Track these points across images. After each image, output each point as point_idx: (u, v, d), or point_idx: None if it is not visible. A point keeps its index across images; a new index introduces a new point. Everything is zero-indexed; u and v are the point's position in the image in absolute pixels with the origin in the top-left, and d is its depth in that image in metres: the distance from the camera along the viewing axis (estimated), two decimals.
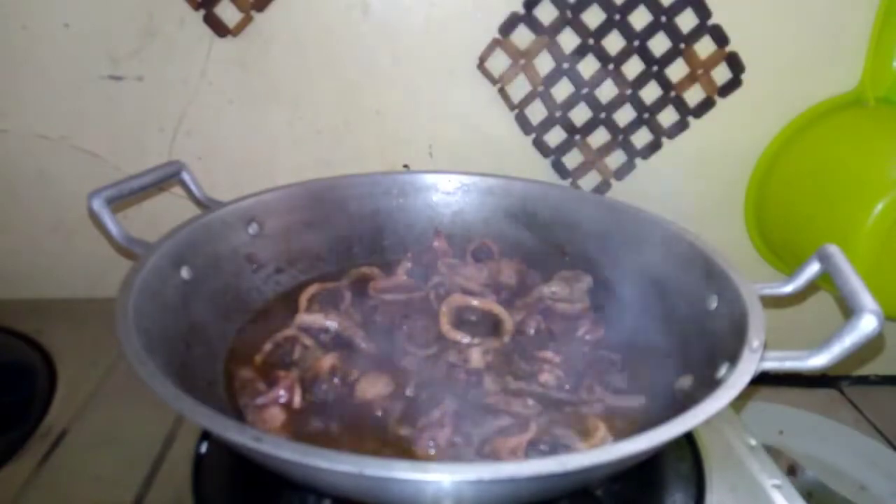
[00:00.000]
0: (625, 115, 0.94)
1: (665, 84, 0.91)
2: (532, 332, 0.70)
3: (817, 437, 0.98)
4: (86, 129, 0.91)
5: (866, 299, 0.49)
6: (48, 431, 0.68)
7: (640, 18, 0.88)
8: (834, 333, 0.47)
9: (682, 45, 0.89)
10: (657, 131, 0.94)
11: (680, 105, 0.93)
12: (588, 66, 0.90)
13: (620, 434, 0.57)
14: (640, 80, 0.91)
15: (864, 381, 1.12)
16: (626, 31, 0.88)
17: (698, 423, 0.44)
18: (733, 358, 0.51)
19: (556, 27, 0.88)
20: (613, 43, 0.89)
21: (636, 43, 0.89)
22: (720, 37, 0.88)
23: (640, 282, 0.73)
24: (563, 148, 0.95)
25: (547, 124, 0.94)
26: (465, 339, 0.68)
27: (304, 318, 0.68)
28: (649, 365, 0.66)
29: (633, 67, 0.91)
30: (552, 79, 0.91)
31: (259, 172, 0.94)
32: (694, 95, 0.92)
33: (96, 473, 0.63)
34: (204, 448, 0.63)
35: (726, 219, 1.01)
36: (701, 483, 0.62)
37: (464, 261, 0.82)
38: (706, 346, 0.59)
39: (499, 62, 0.90)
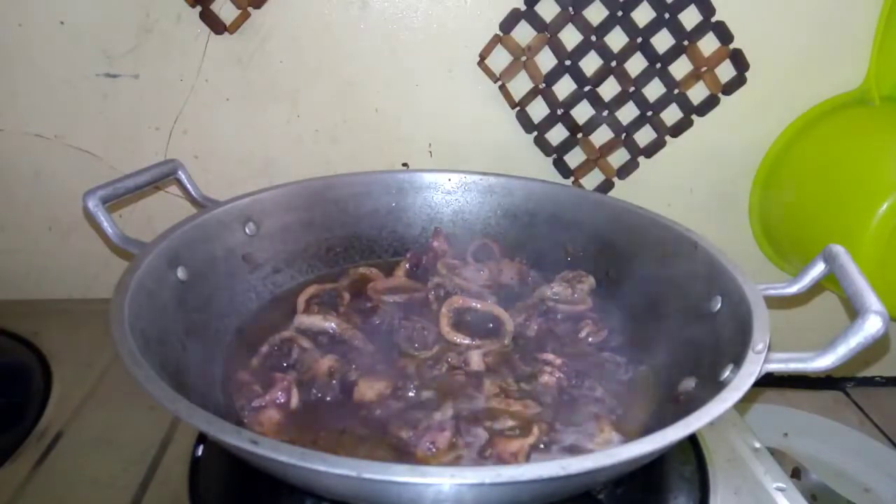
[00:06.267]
0: (628, 113, 0.93)
1: (669, 81, 0.91)
2: (533, 333, 0.70)
3: (822, 440, 0.97)
4: (81, 127, 0.90)
5: (871, 300, 0.48)
6: (44, 434, 0.68)
7: (642, 15, 0.87)
8: (839, 334, 0.47)
9: (686, 42, 0.88)
10: (660, 129, 0.94)
11: (684, 103, 0.92)
12: (590, 64, 0.90)
13: (624, 437, 0.57)
14: (644, 78, 0.90)
15: (868, 382, 1.11)
16: (629, 27, 0.87)
17: (702, 426, 0.44)
18: (737, 359, 0.50)
19: (558, 24, 0.87)
20: (616, 40, 0.88)
21: (639, 40, 0.88)
22: (724, 34, 0.88)
23: (642, 282, 0.73)
24: (565, 146, 0.95)
25: (548, 122, 0.93)
26: (466, 341, 0.67)
27: (302, 319, 0.67)
28: (652, 366, 0.66)
29: (636, 65, 0.90)
30: (554, 76, 0.90)
31: (256, 171, 0.94)
32: (698, 93, 0.91)
33: (92, 476, 0.62)
34: (200, 451, 0.63)
35: (730, 218, 1.00)
36: (705, 486, 0.62)
37: (464, 261, 0.81)
38: (710, 348, 0.59)
39: (499, 59, 0.89)
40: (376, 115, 0.93)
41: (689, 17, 0.87)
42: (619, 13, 0.86)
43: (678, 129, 0.94)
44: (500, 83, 0.91)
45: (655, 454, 0.43)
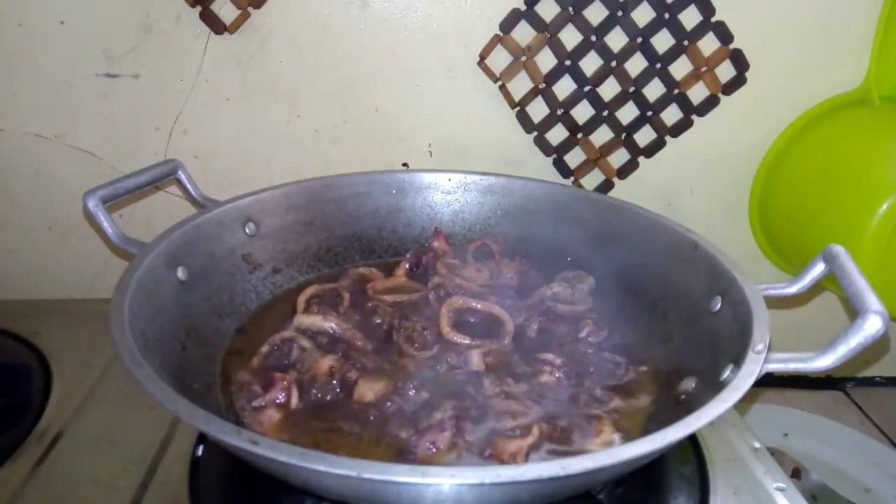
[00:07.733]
0: (627, 113, 0.93)
1: (668, 81, 0.91)
2: (533, 333, 0.70)
3: (822, 440, 0.97)
4: (81, 127, 0.90)
5: (871, 300, 0.48)
6: (44, 434, 0.68)
7: (642, 15, 0.87)
8: (839, 334, 0.47)
9: (686, 42, 0.88)
10: (660, 130, 0.94)
11: (683, 103, 0.92)
12: (590, 64, 0.90)
13: (624, 437, 0.57)
14: (643, 78, 0.90)
15: (868, 382, 1.11)
16: (629, 27, 0.87)
17: (702, 426, 0.44)
18: (738, 359, 0.50)
19: (558, 24, 0.87)
20: (616, 40, 0.88)
21: (639, 40, 0.88)
22: (724, 34, 0.88)
23: (642, 282, 0.72)
24: (565, 146, 0.95)
25: (548, 122, 0.93)
26: (466, 341, 0.67)
27: (302, 319, 0.67)
28: (652, 366, 0.66)
29: (635, 65, 0.90)
30: (554, 76, 0.90)
31: (256, 171, 0.94)
32: (698, 93, 0.91)
33: (92, 476, 0.62)
34: (200, 451, 0.63)
35: (730, 218, 1.00)
36: (705, 486, 0.62)
37: (464, 261, 0.81)
38: (710, 348, 0.59)
39: (499, 59, 0.89)
40: (376, 115, 0.93)
41: (689, 17, 0.87)
42: (619, 13, 0.86)
43: (678, 129, 0.94)
44: (500, 83, 0.91)
45: (655, 454, 0.43)
